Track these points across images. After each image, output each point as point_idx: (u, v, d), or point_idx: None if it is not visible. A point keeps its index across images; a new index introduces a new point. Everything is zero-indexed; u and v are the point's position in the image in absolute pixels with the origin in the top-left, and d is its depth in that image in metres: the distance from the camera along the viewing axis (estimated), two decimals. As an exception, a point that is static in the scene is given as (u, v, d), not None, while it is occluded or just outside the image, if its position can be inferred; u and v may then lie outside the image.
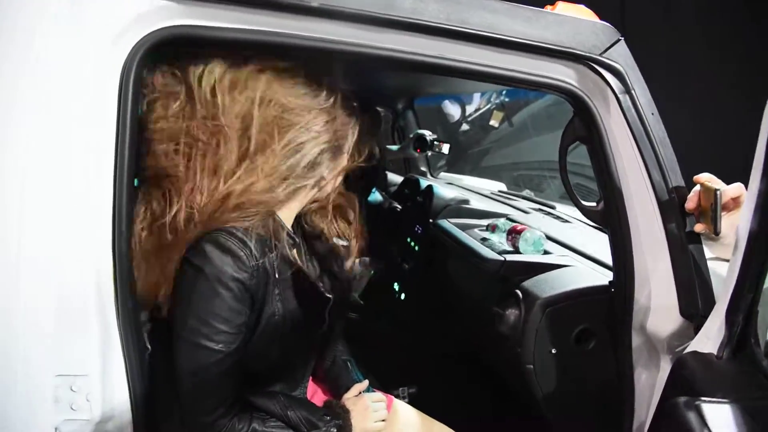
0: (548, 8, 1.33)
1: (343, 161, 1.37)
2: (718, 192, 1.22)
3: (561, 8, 1.33)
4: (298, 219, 1.43)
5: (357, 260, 1.60)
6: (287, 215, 1.35)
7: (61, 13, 1.05)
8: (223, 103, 1.21)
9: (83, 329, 1.12)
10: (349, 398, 1.49)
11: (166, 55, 1.23)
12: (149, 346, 1.26)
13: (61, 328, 1.09)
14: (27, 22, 1.04)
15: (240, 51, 1.24)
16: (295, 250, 1.39)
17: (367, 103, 1.46)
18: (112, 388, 1.16)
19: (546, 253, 1.95)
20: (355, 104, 1.36)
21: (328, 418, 1.38)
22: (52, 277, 1.07)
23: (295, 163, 1.25)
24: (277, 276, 1.29)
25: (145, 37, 1.12)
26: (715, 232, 1.25)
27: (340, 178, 1.40)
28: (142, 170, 1.25)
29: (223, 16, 1.14)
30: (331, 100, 1.30)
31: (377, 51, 1.21)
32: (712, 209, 1.24)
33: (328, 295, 1.38)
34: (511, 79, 1.32)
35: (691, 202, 1.30)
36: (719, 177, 1.31)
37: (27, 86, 1.05)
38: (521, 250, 1.91)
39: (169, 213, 1.23)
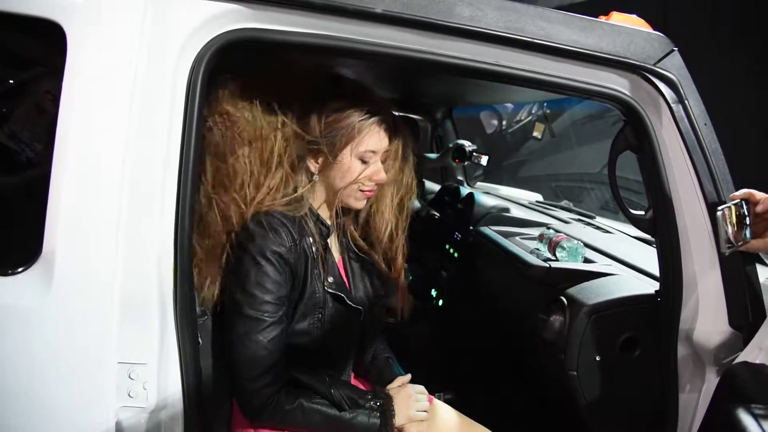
0: (603, 18, 1.35)
1: (331, 157, 1.42)
2: (717, 212, 1.29)
3: (615, 18, 1.35)
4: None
5: None
6: (320, 205, 1.49)
7: (146, 25, 1.11)
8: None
9: (144, 320, 1.17)
10: (393, 387, 1.52)
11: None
12: (200, 340, 1.31)
13: (125, 317, 1.14)
14: (123, 40, 1.10)
15: (302, 53, 1.32)
16: (332, 239, 1.52)
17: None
18: (167, 378, 1.20)
19: (588, 261, 1.95)
20: (351, 103, 1.42)
21: (370, 397, 1.43)
22: (119, 268, 1.12)
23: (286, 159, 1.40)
24: (315, 258, 1.41)
25: (212, 39, 1.17)
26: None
27: (347, 178, 1.44)
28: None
29: (287, 20, 1.19)
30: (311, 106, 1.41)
31: (435, 57, 1.25)
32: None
33: (330, 280, 1.45)
34: (565, 87, 1.34)
35: None
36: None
37: (119, 90, 1.11)
38: (558, 259, 1.92)
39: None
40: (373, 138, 1.42)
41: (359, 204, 1.49)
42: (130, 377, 1.16)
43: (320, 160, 1.44)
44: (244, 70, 1.40)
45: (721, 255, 1.34)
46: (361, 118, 1.40)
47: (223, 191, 1.36)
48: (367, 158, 1.43)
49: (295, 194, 1.41)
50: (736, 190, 1.32)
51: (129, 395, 1.17)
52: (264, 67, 1.43)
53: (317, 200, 1.48)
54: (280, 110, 1.39)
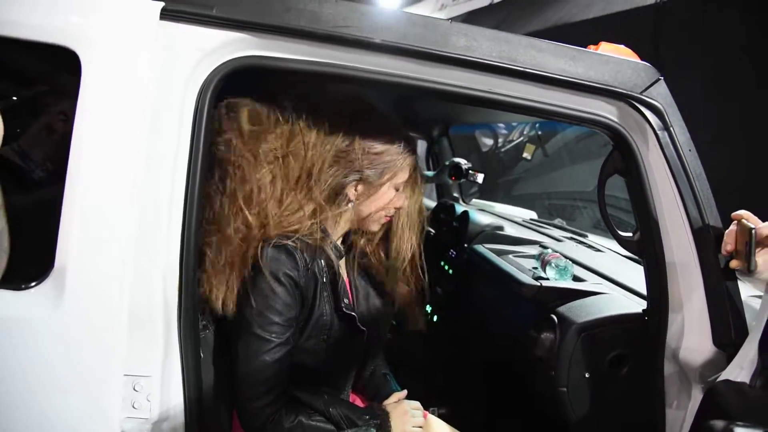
0: (592, 48, 1.40)
1: (373, 188, 1.48)
2: (753, 231, 1.25)
3: (604, 48, 1.41)
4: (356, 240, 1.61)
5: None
6: (334, 229, 1.52)
7: (156, 53, 1.16)
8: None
9: (149, 333, 1.21)
10: (389, 403, 1.56)
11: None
12: (202, 354, 1.35)
13: (132, 331, 1.17)
14: (135, 66, 1.15)
15: (303, 80, 1.37)
16: (342, 262, 1.55)
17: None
18: (169, 391, 1.24)
19: (579, 280, 1.99)
20: (390, 137, 1.48)
21: (368, 417, 1.47)
22: (127, 284, 1.16)
23: (318, 188, 1.43)
24: (324, 281, 1.45)
25: (219, 66, 1.22)
26: (749, 270, 1.27)
27: (378, 205, 1.51)
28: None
29: (291, 48, 1.24)
30: (348, 135, 1.44)
31: (432, 84, 1.30)
32: (746, 247, 1.26)
33: (346, 301, 1.49)
34: (555, 113, 1.39)
35: (729, 245, 1.31)
36: (756, 214, 1.33)
37: (130, 114, 1.15)
38: (548, 277, 1.96)
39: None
40: (408, 170, 1.52)
41: (378, 227, 1.57)
42: (134, 389, 1.20)
43: (360, 188, 1.48)
44: (269, 89, 1.45)
45: (736, 274, 1.36)
46: (404, 153, 1.49)
47: (244, 205, 1.39)
48: (399, 188, 1.52)
49: (324, 220, 1.45)
50: (720, 213, 1.37)
51: (133, 407, 1.21)
52: (296, 87, 1.48)
53: (334, 224, 1.52)
54: (316, 131, 1.43)
